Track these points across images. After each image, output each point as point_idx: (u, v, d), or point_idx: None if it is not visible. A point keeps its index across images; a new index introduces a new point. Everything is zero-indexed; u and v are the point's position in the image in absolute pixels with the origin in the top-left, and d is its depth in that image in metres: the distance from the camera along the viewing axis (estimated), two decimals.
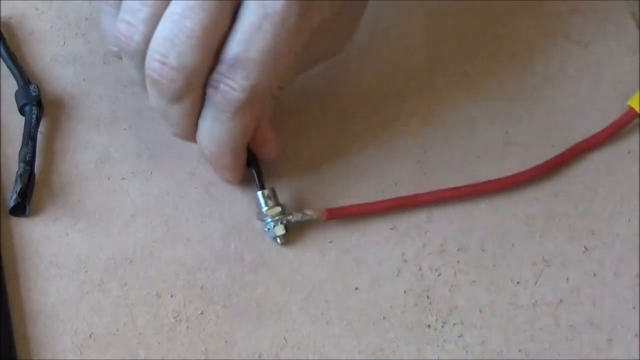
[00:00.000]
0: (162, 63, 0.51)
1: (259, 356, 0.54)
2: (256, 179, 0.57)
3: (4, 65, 0.60)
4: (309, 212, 0.56)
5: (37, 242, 0.56)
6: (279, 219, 0.56)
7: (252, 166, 0.57)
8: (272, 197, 0.56)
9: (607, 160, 0.60)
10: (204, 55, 0.51)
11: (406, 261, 0.57)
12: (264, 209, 0.56)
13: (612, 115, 0.61)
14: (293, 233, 0.57)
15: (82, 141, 0.59)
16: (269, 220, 0.56)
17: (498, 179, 0.59)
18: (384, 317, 0.55)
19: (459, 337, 0.55)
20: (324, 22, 0.53)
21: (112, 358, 0.53)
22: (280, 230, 0.56)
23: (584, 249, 0.57)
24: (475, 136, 0.61)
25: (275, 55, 0.51)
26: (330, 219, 0.57)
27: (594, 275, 0.57)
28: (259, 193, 0.56)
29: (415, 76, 0.62)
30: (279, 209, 0.56)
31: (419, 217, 0.58)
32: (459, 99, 0.62)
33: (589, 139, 0.60)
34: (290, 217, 0.56)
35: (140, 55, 0.52)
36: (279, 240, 0.56)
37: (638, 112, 0.60)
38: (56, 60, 0.62)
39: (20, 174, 0.56)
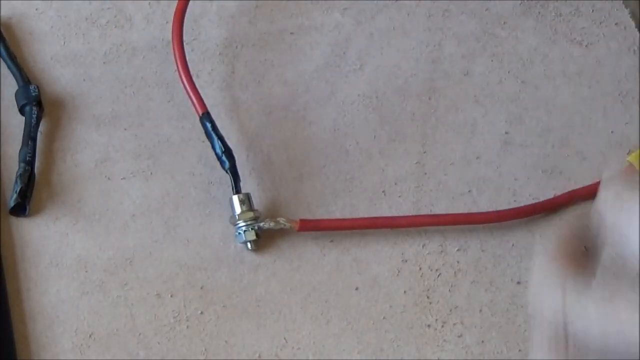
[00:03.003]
0: None
1: (259, 356, 0.54)
2: (232, 183, 0.56)
3: (4, 65, 0.60)
4: (282, 220, 0.56)
5: (37, 242, 0.56)
6: (251, 225, 0.56)
7: (229, 170, 0.56)
8: (247, 202, 0.56)
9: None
10: None
11: (406, 261, 0.57)
12: (237, 212, 0.56)
13: (613, 115, 0.61)
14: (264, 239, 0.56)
15: (82, 141, 0.59)
16: (241, 224, 0.56)
17: (481, 213, 0.58)
18: (384, 317, 0.55)
19: (459, 337, 0.55)
20: None
21: (112, 358, 0.53)
22: (251, 235, 0.55)
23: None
24: (475, 136, 0.61)
25: None
26: (304, 231, 0.56)
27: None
28: (234, 197, 0.56)
29: (415, 76, 0.62)
30: (251, 214, 0.56)
31: None
32: (459, 99, 0.62)
33: (586, 187, 0.59)
34: (262, 224, 0.56)
35: None
36: (249, 245, 0.56)
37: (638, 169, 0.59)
38: (56, 60, 0.61)
39: (20, 174, 0.56)
